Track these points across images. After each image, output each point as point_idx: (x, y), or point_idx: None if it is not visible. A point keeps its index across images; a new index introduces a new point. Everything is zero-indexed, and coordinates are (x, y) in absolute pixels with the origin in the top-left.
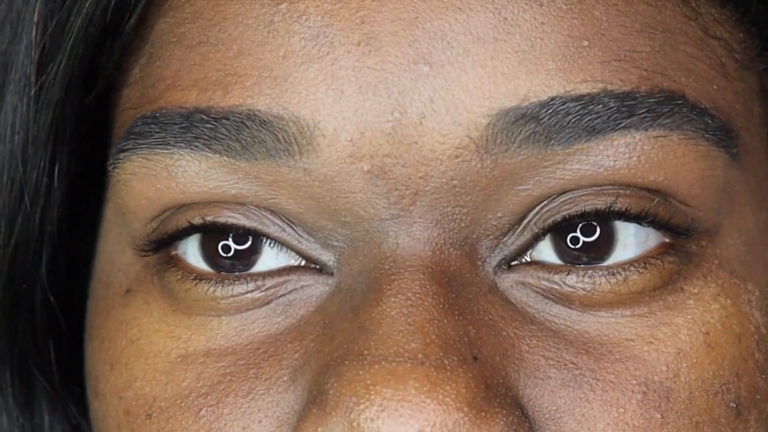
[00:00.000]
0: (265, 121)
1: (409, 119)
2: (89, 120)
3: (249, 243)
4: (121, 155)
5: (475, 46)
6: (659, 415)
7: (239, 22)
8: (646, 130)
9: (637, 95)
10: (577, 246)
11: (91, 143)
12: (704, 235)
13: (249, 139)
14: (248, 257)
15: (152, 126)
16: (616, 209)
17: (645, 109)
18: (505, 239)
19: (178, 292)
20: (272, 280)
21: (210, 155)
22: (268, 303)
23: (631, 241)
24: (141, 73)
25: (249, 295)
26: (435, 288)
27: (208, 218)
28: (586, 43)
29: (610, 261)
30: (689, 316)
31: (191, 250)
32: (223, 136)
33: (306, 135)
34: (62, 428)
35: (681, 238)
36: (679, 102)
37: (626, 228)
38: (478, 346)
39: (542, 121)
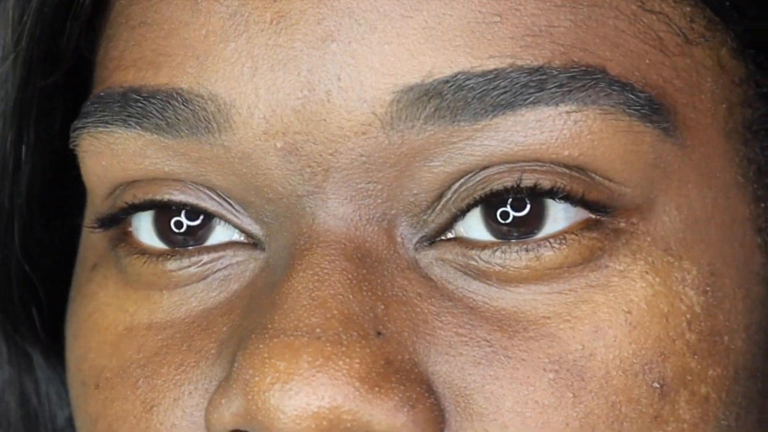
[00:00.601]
0: (187, 99)
1: (317, 96)
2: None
3: (200, 219)
4: (75, 134)
5: (382, 22)
6: (571, 394)
7: (170, 3)
8: (557, 105)
9: (548, 69)
10: (508, 221)
11: None
12: (635, 211)
13: (173, 117)
14: (199, 233)
15: (96, 105)
16: (524, 185)
17: (556, 84)
18: (424, 217)
19: (126, 266)
20: (209, 256)
21: (142, 133)
22: (205, 278)
23: (561, 216)
24: (102, 54)
25: (187, 270)
26: (345, 264)
27: (147, 196)
28: (497, 18)
29: (538, 236)
30: (611, 294)
31: (144, 226)
32: (152, 115)
33: (223, 113)
34: (56, 389)
35: (604, 214)
36: (597, 76)
37: (556, 204)
38: (385, 322)
39: (446, 97)
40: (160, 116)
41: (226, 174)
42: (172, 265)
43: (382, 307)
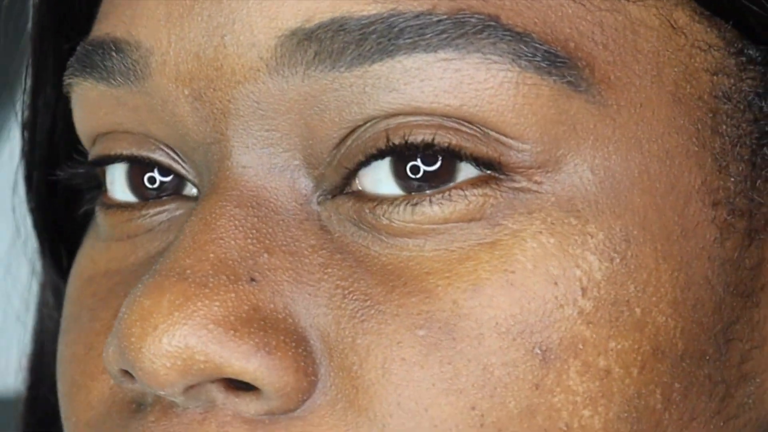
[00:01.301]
0: (119, 48)
1: (215, 42)
2: None
3: (172, 175)
4: (64, 89)
5: None
6: (440, 354)
7: None
8: (436, 51)
9: (430, 16)
10: (418, 176)
11: None
12: (537, 170)
13: (111, 65)
14: (171, 188)
15: (72, 59)
16: (395, 142)
17: (436, 31)
18: (323, 171)
19: (98, 219)
20: (155, 209)
21: (95, 83)
22: (151, 229)
23: (472, 171)
24: None
25: (137, 222)
26: (234, 210)
27: (104, 151)
28: None
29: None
30: (497, 253)
31: (118, 180)
32: (96, 65)
33: (144, 59)
34: None
35: (497, 171)
36: (488, 24)
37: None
38: (264, 270)
39: (325, 43)
40: (102, 66)
41: (158, 123)
42: (127, 216)
43: (266, 255)
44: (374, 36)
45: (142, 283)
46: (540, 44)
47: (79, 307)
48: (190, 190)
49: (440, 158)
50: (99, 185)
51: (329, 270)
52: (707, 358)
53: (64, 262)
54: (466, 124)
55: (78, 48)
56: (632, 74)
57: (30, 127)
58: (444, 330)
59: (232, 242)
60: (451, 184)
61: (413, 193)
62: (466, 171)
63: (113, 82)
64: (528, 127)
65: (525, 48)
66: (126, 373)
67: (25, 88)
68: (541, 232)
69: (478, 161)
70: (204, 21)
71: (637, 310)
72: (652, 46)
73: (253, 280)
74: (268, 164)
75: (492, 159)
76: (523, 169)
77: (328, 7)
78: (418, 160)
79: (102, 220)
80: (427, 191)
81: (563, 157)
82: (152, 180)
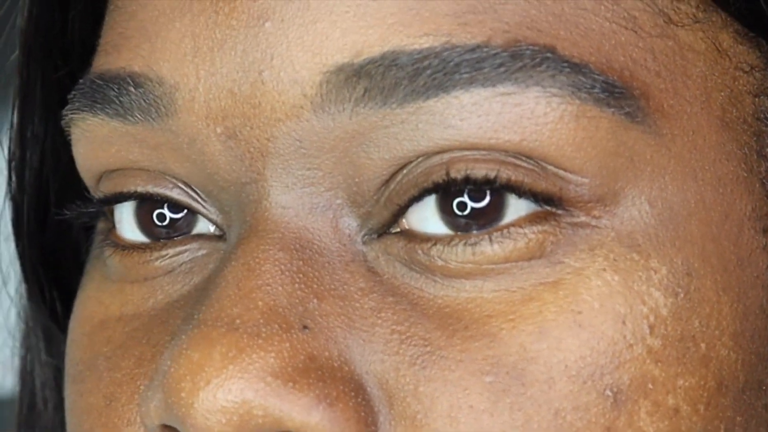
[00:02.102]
0: (138, 82)
1: (251, 78)
2: None
3: (184, 212)
4: (63, 123)
5: (316, 0)
6: (509, 400)
7: None
8: (494, 86)
9: (486, 49)
10: (465, 212)
11: None
12: (596, 204)
13: (128, 101)
14: (183, 226)
15: (75, 93)
16: (453, 177)
17: (494, 64)
18: (368, 208)
19: (106, 258)
20: (174, 249)
21: (106, 119)
22: (171, 271)
23: (523, 207)
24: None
25: (155, 263)
26: (279, 254)
27: (117, 188)
28: None
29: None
30: (561, 292)
31: (126, 218)
32: (111, 100)
33: (168, 95)
34: None
35: (556, 206)
36: (546, 56)
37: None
38: (315, 317)
39: (376, 78)
40: (117, 101)
41: (182, 161)
42: (142, 258)
43: (316, 300)
44: (428, 71)
45: (185, 334)
46: (598, 75)
47: (91, 354)
48: (205, 227)
49: (488, 194)
50: (92, 224)
51: (382, 314)
52: (764, 388)
53: (58, 306)
54: (523, 158)
55: (83, 81)
56: (683, 101)
57: (18, 163)
58: (512, 375)
59: (280, 288)
60: (507, 221)
61: (468, 232)
62: (516, 207)
63: (130, 118)
64: (587, 160)
65: (584, 79)
66: (167, 428)
67: (12, 123)
68: (604, 270)
69: (537, 197)
70: (238, 56)
71: (702, 345)
72: (700, 71)
73: (305, 327)
74: (309, 204)
75: (551, 194)
76: (582, 203)
77: (377, 41)
78: (465, 196)
79: (112, 260)
80: (484, 229)
81: (621, 190)
82: (161, 217)
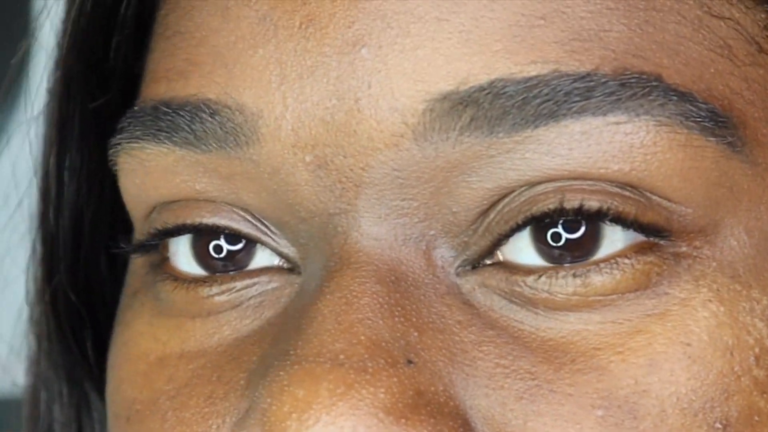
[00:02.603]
0: (214, 110)
1: (346, 105)
2: None
3: (242, 243)
4: (112, 152)
5: (415, 26)
6: None
7: (202, 9)
8: (605, 115)
9: (596, 77)
10: (560, 244)
11: None
12: (698, 234)
13: (202, 129)
14: (241, 258)
15: (130, 120)
16: (568, 207)
17: (604, 92)
18: (465, 239)
19: (160, 293)
20: (242, 282)
21: (173, 148)
22: (239, 305)
23: (619, 237)
24: (144, 68)
25: (220, 297)
26: (376, 287)
27: (179, 220)
28: (542, 21)
29: (590, 261)
30: (669, 324)
31: (182, 251)
32: (180, 128)
33: (250, 124)
34: None
35: (661, 237)
36: (652, 84)
37: (612, 225)
38: (418, 350)
39: (483, 107)
40: (188, 129)
41: (258, 191)
42: (205, 292)
43: (416, 334)
44: (538, 100)
45: (283, 370)
46: (703, 104)
47: (150, 393)
48: (266, 260)
49: (584, 225)
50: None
51: (483, 348)
52: None
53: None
54: (629, 188)
55: (139, 109)
56: None
57: (56, 197)
58: (624, 409)
59: (381, 322)
60: (610, 252)
61: (561, 263)
62: (611, 238)
63: (203, 147)
64: (693, 191)
65: (691, 108)
66: None
67: (46, 153)
68: (710, 300)
69: (643, 228)
70: (331, 83)
71: None
72: None
73: (410, 362)
74: (402, 235)
75: (657, 225)
76: (684, 234)
77: (482, 69)
78: (560, 227)
79: (168, 294)
80: (579, 260)
81: (721, 221)
82: (218, 249)
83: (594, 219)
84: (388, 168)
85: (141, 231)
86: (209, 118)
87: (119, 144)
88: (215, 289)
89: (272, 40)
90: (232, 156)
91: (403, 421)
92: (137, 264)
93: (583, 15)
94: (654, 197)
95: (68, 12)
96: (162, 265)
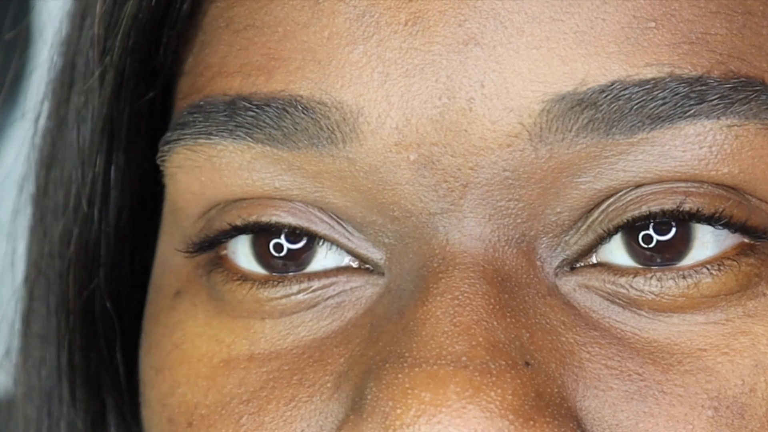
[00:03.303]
0: (307, 107)
1: (458, 105)
2: (159, 116)
3: (303, 242)
4: (167, 147)
5: (530, 25)
6: None
7: (285, 3)
8: (718, 118)
9: (709, 80)
10: (651, 245)
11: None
12: None
13: (291, 126)
14: (302, 257)
15: (196, 115)
16: (685, 209)
17: (717, 96)
18: (566, 238)
19: (223, 293)
20: (319, 282)
21: (252, 145)
22: (315, 305)
23: (710, 239)
24: (193, 62)
25: (294, 297)
26: (486, 288)
27: (252, 218)
28: (653, 24)
29: (686, 262)
30: None
31: (242, 249)
32: (265, 124)
33: (349, 122)
34: None
35: (760, 239)
36: (758, 88)
37: (703, 227)
38: (531, 351)
39: (601, 108)
40: (274, 126)
41: (347, 190)
42: (276, 292)
43: (527, 335)
44: (656, 102)
45: (401, 373)
46: None
47: (219, 397)
48: (334, 260)
49: (674, 227)
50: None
51: (590, 348)
52: None
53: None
54: (732, 190)
55: (210, 102)
56: None
57: (102, 199)
58: (732, 409)
59: (495, 323)
60: (712, 254)
61: (650, 266)
62: (702, 240)
63: (291, 144)
64: None
65: None
66: None
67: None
68: None
69: (747, 230)
70: (441, 82)
71: None
72: None
73: (527, 364)
74: (505, 236)
75: (758, 227)
76: None
77: (600, 70)
78: (651, 229)
79: (231, 294)
80: (670, 263)
81: None
82: (277, 247)
83: (701, 222)
84: (498, 168)
85: (195, 229)
86: (301, 115)
87: (180, 140)
88: (289, 289)
89: (374, 36)
90: (323, 153)
91: (531, 423)
92: (176, 263)
93: (690, 18)
94: (753, 199)
95: (122, 5)
96: (221, 265)
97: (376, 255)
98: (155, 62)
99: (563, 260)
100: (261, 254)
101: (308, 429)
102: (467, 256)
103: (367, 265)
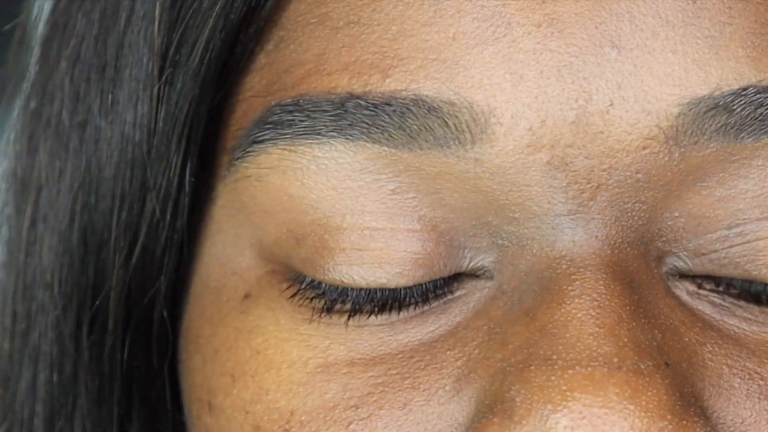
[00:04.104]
0: (433, 107)
1: (595, 107)
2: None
3: None
4: (255, 147)
5: (664, 29)
6: None
7: (398, 1)
8: None
9: None
10: None
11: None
12: None
13: (415, 126)
14: None
15: (295, 114)
16: None
17: None
18: (680, 245)
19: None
20: (421, 288)
21: (368, 145)
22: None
23: None
24: (267, 58)
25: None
26: (619, 288)
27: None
28: None
29: None
30: None
31: None
32: (385, 124)
33: (480, 122)
34: None
35: None
36: None
37: None
38: (667, 352)
39: (735, 112)
40: (396, 125)
41: (467, 191)
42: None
43: (660, 335)
44: None
45: (554, 375)
46: None
47: (320, 403)
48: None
49: None
50: None
51: (710, 348)
52: None
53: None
54: None
55: (311, 101)
56: None
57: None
58: None
59: (634, 324)
60: None
61: None
62: None
63: (414, 144)
64: None
65: None
66: None
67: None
68: None
69: None
70: (577, 83)
71: None
72: None
73: (667, 364)
74: (627, 238)
75: None
76: None
77: (733, 75)
78: None
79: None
80: None
81: None
82: None
83: None
84: (631, 171)
85: (279, 232)
86: (426, 115)
87: (275, 139)
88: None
89: (505, 37)
90: (448, 154)
91: (684, 422)
92: (244, 266)
93: None
94: None
95: (199, 6)
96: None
97: (486, 259)
98: (231, 61)
99: (674, 266)
100: None
101: None
102: (596, 257)
103: (474, 273)
